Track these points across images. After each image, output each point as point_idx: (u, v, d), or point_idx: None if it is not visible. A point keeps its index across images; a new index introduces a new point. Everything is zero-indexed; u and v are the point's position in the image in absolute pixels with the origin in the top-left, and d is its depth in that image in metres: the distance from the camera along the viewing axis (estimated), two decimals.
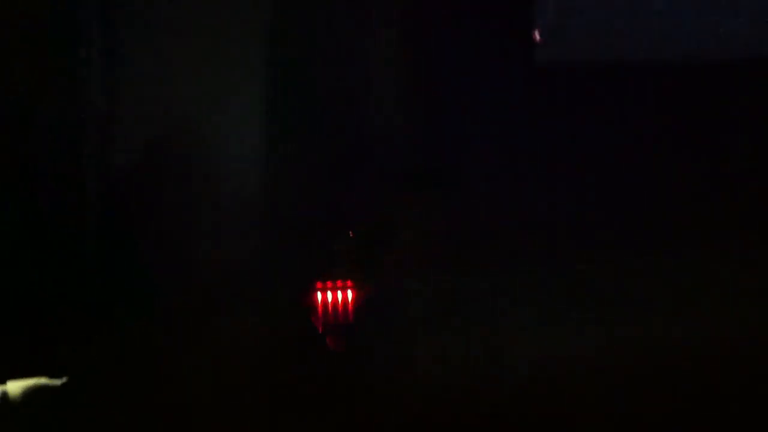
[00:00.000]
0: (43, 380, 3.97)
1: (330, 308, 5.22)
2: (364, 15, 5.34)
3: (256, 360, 4.70)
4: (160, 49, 4.87)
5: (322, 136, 5.24)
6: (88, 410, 4.27)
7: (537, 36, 5.55)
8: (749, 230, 5.42)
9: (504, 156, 5.43)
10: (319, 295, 5.23)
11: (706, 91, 5.59)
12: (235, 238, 4.95)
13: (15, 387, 3.91)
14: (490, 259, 5.20)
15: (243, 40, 5.01)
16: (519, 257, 5.21)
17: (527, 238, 5.23)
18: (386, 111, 5.37)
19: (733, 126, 5.74)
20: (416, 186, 5.31)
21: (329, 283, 5.25)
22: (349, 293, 5.27)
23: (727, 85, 5.70)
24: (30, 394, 3.94)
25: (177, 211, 4.93)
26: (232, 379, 4.59)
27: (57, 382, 3.99)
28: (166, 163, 4.99)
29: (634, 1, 5.61)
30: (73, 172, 4.83)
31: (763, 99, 5.57)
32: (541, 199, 5.39)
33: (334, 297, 5.28)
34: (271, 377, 4.69)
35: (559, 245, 5.28)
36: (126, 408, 4.40)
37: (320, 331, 5.03)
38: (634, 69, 5.61)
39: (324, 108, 5.23)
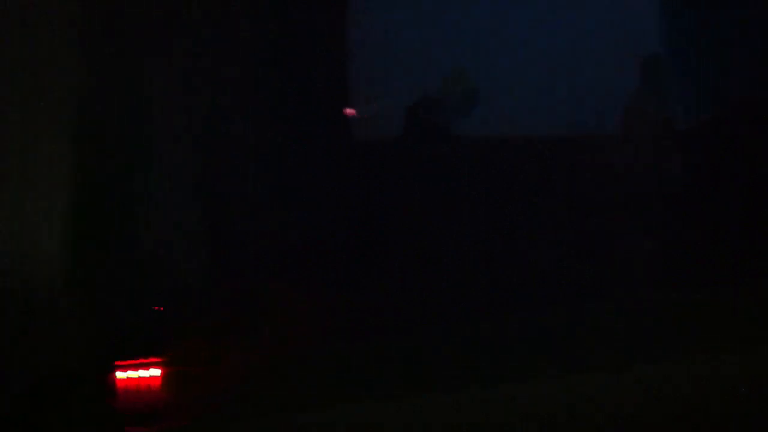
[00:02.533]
0: None
1: (132, 388, 4.70)
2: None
3: None
4: None
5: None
6: None
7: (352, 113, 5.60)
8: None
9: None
10: (119, 374, 4.75)
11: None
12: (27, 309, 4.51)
13: None
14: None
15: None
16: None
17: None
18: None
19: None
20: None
21: (131, 361, 4.81)
22: (154, 371, 4.82)
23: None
24: None
25: None
26: None
27: None
28: None
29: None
30: None
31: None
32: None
33: (139, 374, 4.79)
34: None
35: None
36: None
37: (117, 413, 4.46)
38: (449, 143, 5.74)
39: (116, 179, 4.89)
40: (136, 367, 4.79)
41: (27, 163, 4.59)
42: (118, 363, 4.75)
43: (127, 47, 4.96)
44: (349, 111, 5.98)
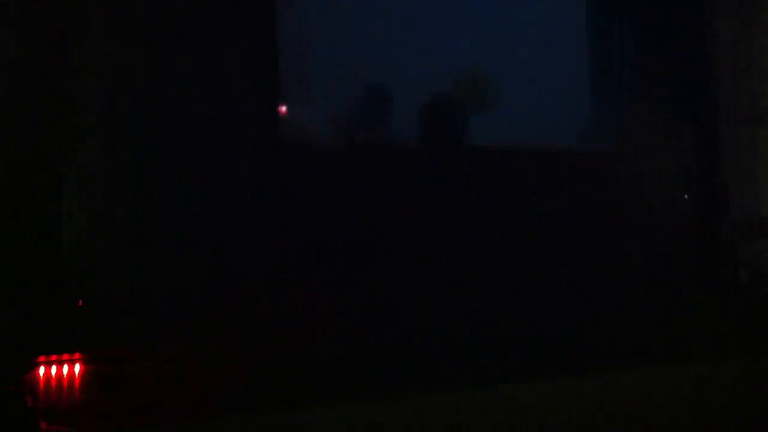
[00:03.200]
0: None
1: (53, 383, 4.58)
2: None
3: None
4: None
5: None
6: None
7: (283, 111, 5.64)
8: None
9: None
10: (42, 369, 4.65)
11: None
12: None
13: None
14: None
15: None
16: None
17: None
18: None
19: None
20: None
21: (54, 356, 4.70)
22: (77, 366, 4.72)
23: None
24: None
25: None
26: None
27: None
28: None
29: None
30: None
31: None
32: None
33: (59, 371, 4.69)
34: None
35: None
36: None
37: (33, 410, 4.25)
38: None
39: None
40: (58, 364, 4.70)
41: None
42: (39, 359, 4.66)
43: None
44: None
